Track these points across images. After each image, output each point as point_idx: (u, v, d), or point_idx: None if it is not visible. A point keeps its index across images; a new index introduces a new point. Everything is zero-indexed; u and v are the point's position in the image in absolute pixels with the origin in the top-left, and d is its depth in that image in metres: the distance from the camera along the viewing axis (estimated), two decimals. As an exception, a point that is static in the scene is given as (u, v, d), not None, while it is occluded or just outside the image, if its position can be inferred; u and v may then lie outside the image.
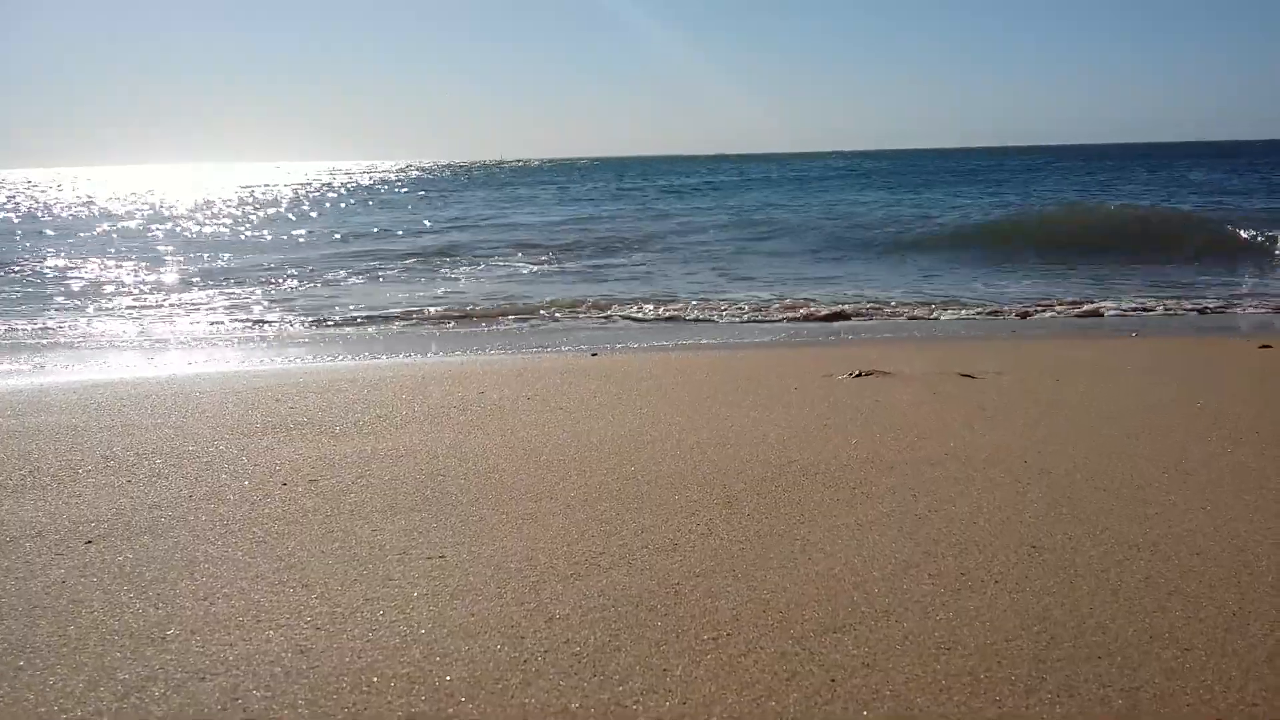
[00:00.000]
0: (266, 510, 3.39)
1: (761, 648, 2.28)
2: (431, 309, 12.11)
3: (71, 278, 16.71)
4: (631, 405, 5.21)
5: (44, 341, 10.08)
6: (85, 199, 50.34)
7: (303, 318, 11.73)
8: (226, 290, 14.80)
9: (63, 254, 20.91)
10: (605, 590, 2.62)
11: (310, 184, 67.93)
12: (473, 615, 2.47)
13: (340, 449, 4.28)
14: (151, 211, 38.28)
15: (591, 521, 3.22)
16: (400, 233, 25.44)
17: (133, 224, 30.01)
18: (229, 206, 40.99)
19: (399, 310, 12.06)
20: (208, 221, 31.90)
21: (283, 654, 2.27)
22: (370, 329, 10.80)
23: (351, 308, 12.44)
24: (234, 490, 3.65)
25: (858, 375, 5.99)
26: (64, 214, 37.65)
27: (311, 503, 3.48)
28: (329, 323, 11.32)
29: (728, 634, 2.35)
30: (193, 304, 13.40)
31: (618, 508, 3.37)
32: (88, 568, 2.85)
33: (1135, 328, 9.45)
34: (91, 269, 17.97)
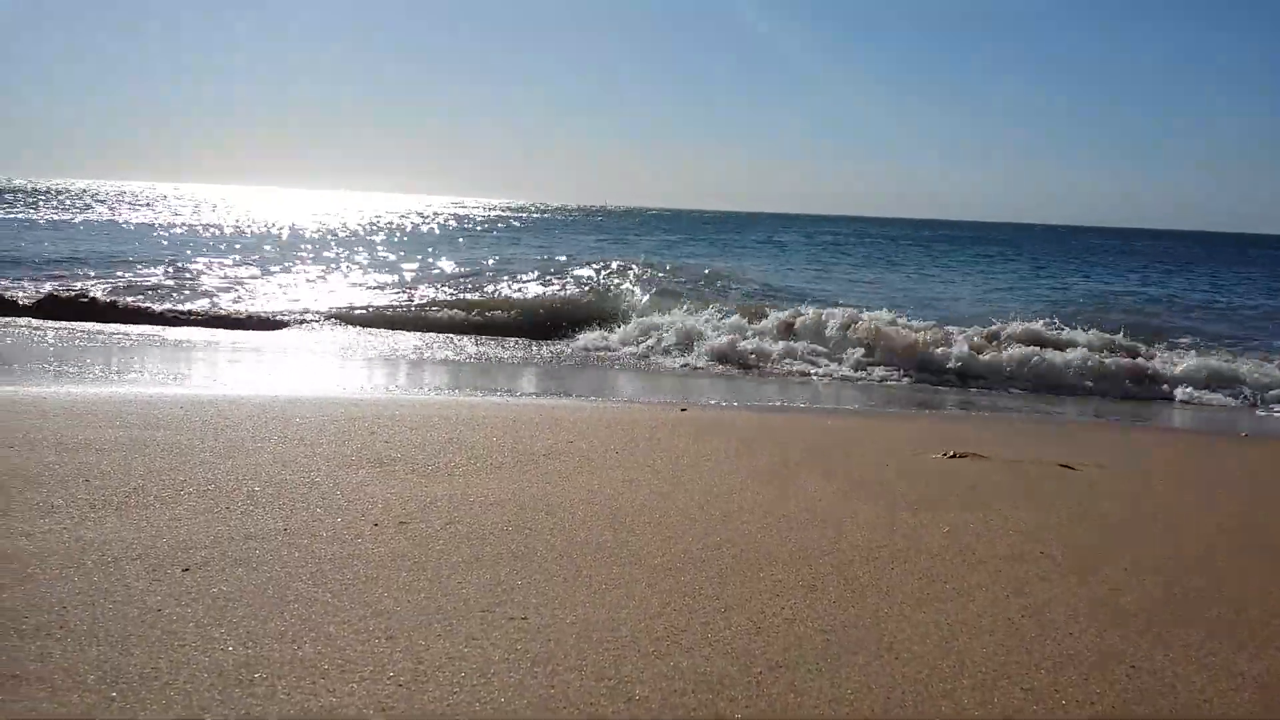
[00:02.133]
0: (357, 551, 3.44)
1: (843, 753, 2.23)
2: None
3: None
4: (719, 469, 5.18)
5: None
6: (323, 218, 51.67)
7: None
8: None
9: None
10: (686, 672, 2.60)
11: (486, 216, 69.28)
12: (552, 688, 2.46)
13: (431, 490, 4.33)
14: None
15: (675, 594, 3.19)
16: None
17: (384, 252, 29.07)
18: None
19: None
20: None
21: (365, 710, 2.29)
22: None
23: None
24: (327, 526, 3.71)
25: (952, 456, 5.87)
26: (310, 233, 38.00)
27: (401, 546, 3.52)
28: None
29: (809, 734, 2.30)
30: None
31: (702, 581, 3.34)
32: (183, 597, 2.92)
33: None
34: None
